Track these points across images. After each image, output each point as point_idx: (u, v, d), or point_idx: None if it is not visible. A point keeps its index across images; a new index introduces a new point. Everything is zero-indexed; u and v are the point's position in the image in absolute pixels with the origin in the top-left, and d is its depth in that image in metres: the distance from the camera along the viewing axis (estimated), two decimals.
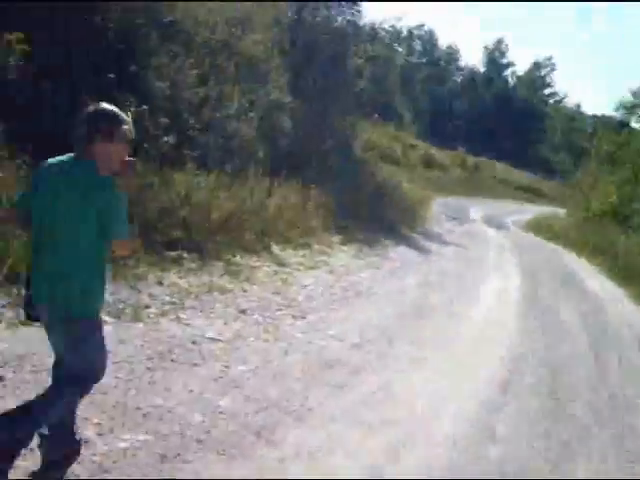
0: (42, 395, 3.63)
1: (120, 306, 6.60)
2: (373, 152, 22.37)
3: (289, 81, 18.05)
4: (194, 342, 6.27)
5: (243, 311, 7.42)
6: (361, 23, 25.52)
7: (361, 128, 21.97)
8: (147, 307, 6.79)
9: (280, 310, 7.76)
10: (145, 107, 12.57)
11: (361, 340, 7.28)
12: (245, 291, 8.12)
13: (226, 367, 5.92)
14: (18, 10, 11.15)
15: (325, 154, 17.26)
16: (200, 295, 7.57)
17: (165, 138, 12.45)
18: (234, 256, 9.41)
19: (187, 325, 6.66)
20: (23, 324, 5.75)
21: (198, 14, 15.53)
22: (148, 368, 5.41)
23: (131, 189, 3.73)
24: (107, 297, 4.91)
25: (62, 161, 3.56)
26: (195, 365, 5.81)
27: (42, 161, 3.67)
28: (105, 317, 5.73)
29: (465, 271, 12.55)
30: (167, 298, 7.21)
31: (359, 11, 23.79)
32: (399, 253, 12.95)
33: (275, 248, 10.42)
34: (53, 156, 3.62)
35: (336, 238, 12.35)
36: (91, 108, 3.54)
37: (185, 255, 8.59)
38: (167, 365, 5.56)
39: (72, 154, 3.55)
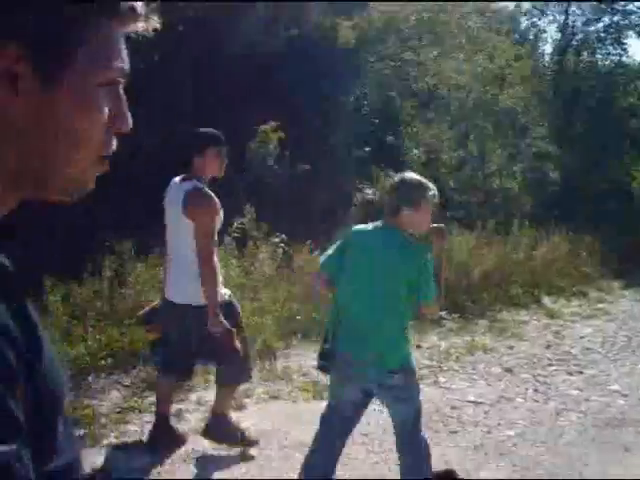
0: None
1: None
2: None
3: (553, 130, 17.03)
4: (453, 407, 5.63)
5: (509, 370, 6.61)
6: (629, 61, 23.79)
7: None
8: None
9: (552, 366, 6.84)
10: None
11: None
12: (511, 348, 7.28)
13: (488, 432, 5.19)
14: (273, 101, 11.48)
15: (597, 198, 15.82)
16: (461, 356, 6.89)
17: None
18: (499, 312, 8.60)
19: (446, 389, 6.04)
20: (273, 398, 5.50)
21: (452, 77, 15.19)
22: None
23: (440, 254, 3.78)
24: None
25: (370, 229, 3.69)
26: (453, 432, 5.15)
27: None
28: None
29: None
30: (425, 361, 6.62)
31: (625, 49, 22.19)
32: None
33: (546, 299, 9.43)
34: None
35: (616, 283, 10.99)
36: (396, 178, 3.70)
37: (445, 315, 7.95)
38: None
39: (377, 222, 3.67)
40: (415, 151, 13.54)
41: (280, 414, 5.16)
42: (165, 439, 4.38)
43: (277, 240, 8.36)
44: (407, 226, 3.57)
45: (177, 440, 4.47)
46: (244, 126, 10.91)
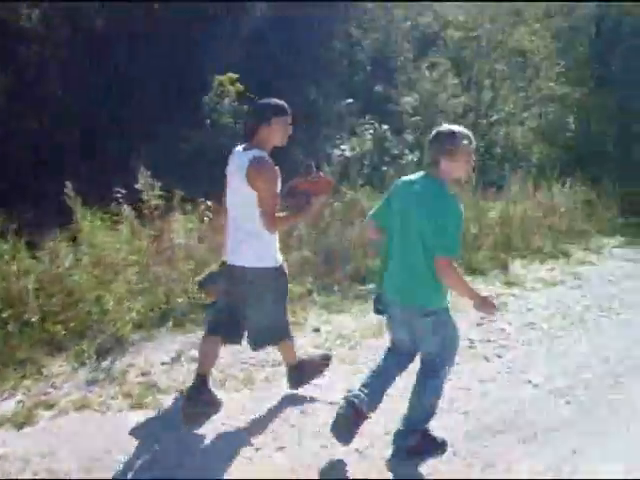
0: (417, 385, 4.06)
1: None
2: None
3: (583, 73, 15.46)
4: (303, 412, 4.68)
5: None
6: None
7: None
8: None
9: (472, 348, 5.79)
10: (386, 127, 11.30)
11: (566, 386, 5.10)
12: None
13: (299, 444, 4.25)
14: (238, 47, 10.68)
15: (624, 146, 14.27)
16: (363, 340, 5.88)
17: (410, 156, 10.99)
18: None
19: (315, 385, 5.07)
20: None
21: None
22: None
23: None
24: None
25: (413, 179, 3.87)
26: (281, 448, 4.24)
27: None
28: None
29: None
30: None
31: None
32: None
33: (515, 264, 8.28)
34: None
35: (614, 241, 9.71)
36: (435, 130, 3.84)
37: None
38: None
39: (422, 172, 3.87)
40: (408, 99, 12.35)
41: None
42: (202, 401, 4.37)
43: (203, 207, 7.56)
44: (446, 175, 3.75)
45: (213, 404, 4.45)
46: (200, 76, 10.07)
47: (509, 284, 7.56)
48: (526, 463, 4.05)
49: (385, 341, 5.78)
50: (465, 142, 3.75)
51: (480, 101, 13.62)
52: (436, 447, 4.13)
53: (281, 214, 4.21)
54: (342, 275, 7.11)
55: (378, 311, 4.11)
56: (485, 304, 3.78)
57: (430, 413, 4.10)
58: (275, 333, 4.49)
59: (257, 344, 4.48)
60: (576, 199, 10.42)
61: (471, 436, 4.35)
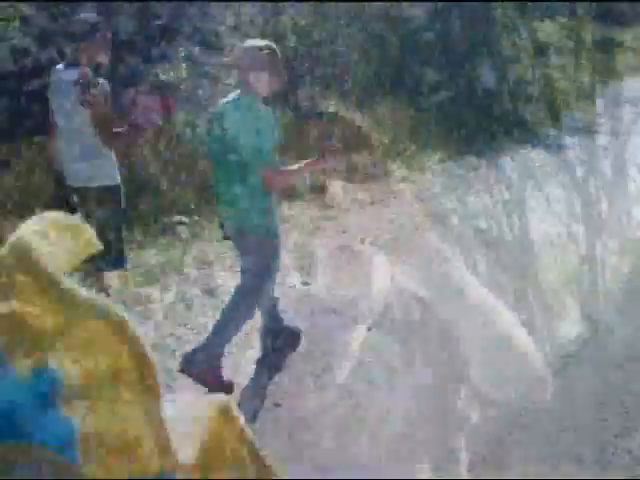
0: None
1: None
2: (527, 48, 18.42)
3: None
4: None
5: (210, 291, 5.16)
6: None
7: (506, 25, 18.30)
8: None
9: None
10: (202, 48, 10.69)
11: (368, 310, 4.85)
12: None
13: None
14: None
15: (450, 61, 14.27)
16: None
17: (228, 79, 10.43)
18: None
19: None
20: None
21: None
22: None
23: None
24: None
25: (227, 100, 3.84)
26: None
27: None
28: None
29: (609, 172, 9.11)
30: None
31: None
32: (516, 159, 9.69)
33: (334, 186, 7.97)
34: None
35: (436, 157, 9.55)
36: (238, 47, 3.96)
37: (184, 220, 6.50)
38: None
39: (236, 92, 3.84)
40: (222, 28, 11.70)
41: None
42: None
43: None
44: (258, 90, 3.74)
45: None
46: None
47: (325, 207, 7.25)
48: (315, 394, 3.79)
49: (187, 275, 5.42)
50: (269, 54, 3.73)
51: (303, 24, 13.12)
52: (220, 384, 3.76)
53: (118, 129, 4.08)
54: (147, 208, 6.55)
55: (225, 236, 4.13)
56: (326, 163, 3.97)
57: (223, 340, 3.86)
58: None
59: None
60: (401, 117, 10.23)
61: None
